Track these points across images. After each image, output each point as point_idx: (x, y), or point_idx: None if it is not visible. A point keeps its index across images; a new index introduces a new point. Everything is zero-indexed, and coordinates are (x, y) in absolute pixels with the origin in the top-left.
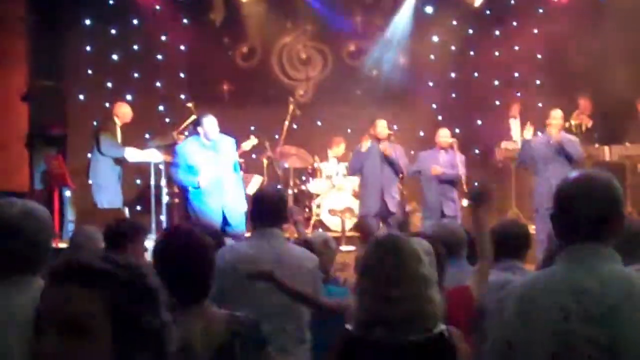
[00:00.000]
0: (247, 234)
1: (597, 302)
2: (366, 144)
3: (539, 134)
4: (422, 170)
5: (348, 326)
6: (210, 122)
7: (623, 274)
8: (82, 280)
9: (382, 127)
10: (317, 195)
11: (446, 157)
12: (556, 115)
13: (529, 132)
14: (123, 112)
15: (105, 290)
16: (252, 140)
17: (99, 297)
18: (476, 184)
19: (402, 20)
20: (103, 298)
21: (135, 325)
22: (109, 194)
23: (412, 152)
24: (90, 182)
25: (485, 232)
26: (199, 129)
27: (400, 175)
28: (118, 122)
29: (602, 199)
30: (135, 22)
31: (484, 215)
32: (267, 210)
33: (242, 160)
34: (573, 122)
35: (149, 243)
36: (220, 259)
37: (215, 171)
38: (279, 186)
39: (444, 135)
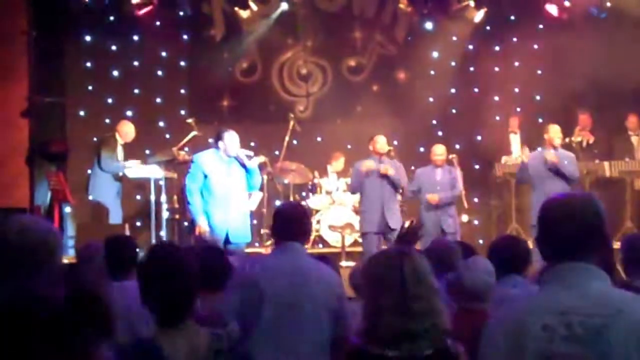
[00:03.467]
0: (247, 250)
1: (582, 322)
2: (368, 164)
3: (539, 149)
4: (422, 187)
5: (355, 342)
6: (231, 138)
7: (611, 293)
8: None
9: (382, 143)
10: (317, 211)
11: (444, 174)
12: (554, 130)
13: (525, 154)
14: (126, 131)
15: None
16: (260, 159)
17: None
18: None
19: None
20: None
21: None
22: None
23: (413, 168)
24: (90, 197)
25: None
26: (220, 143)
27: (400, 191)
28: (120, 140)
29: (582, 217)
30: (135, 38)
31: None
32: (288, 225)
33: None
34: (577, 139)
35: None
36: (241, 273)
37: (226, 185)
38: (302, 203)
39: (438, 153)
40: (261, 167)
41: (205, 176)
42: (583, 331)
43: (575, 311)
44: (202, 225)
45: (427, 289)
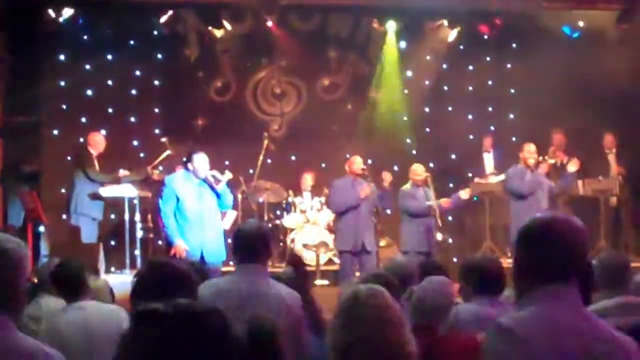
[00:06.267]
0: (223, 269)
1: (591, 345)
2: (367, 191)
3: (515, 166)
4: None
5: None
6: (200, 159)
7: (596, 321)
8: None
9: (358, 163)
10: (292, 230)
11: (422, 193)
12: (529, 149)
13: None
14: (96, 140)
15: None
16: (227, 175)
17: None
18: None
19: None
20: None
21: None
22: (85, 228)
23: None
24: (72, 216)
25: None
26: (189, 165)
27: (375, 209)
28: (94, 152)
29: (581, 241)
30: (109, 57)
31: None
32: (247, 246)
33: None
34: (551, 161)
35: (123, 277)
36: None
37: (199, 207)
38: (260, 221)
39: (417, 172)
40: (231, 184)
41: (178, 199)
42: (594, 355)
43: (586, 335)
44: (180, 246)
45: (375, 305)
